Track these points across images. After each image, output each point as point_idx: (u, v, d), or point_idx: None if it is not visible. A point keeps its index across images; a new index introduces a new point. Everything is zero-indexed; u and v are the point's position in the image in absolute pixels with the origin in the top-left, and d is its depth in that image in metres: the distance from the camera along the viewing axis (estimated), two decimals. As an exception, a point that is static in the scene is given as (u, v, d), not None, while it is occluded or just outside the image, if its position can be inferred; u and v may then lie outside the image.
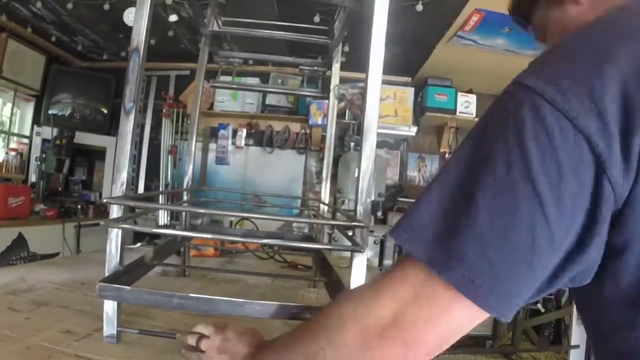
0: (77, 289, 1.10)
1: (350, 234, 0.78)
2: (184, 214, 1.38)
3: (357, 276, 0.73)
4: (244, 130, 3.80)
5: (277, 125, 3.81)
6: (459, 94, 3.62)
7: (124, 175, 0.76)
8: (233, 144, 3.84)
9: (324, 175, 1.57)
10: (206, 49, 1.44)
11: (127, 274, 0.81)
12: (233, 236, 1.46)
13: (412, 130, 3.54)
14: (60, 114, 3.65)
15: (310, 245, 1.27)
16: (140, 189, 3.65)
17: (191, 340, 0.71)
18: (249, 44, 3.43)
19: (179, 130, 3.83)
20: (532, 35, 0.69)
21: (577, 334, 2.62)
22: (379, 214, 3.45)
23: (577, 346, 2.72)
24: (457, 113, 3.58)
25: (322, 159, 3.38)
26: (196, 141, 1.46)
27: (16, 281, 1.09)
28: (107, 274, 0.76)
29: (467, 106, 3.61)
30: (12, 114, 3.41)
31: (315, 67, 1.44)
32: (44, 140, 3.49)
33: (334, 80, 1.45)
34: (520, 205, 0.38)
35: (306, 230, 2.06)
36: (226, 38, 3.31)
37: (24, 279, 1.13)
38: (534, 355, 3.52)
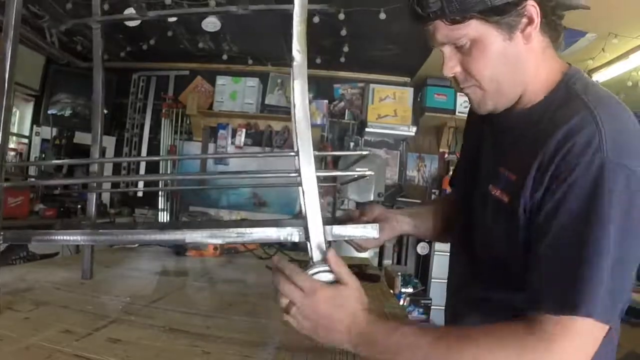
0: (77, 288, 1.09)
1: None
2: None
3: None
4: (243, 130, 3.80)
5: (277, 126, 3.81)
6: (458, 93, 3.62)
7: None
8: (232, 144, 3.83)
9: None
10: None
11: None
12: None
13: (412, 130, 3.54)
14: (59, 114, 3.64)
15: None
16: (140, 185, 3.64)
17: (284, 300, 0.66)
18: (248, 43, 3.43)
19: (178, 130, 3.83)
20: (445, 42, 0.70)
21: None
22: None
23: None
24: (457, 113, 3.58)
25: (321, 159, 3.38)
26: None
27: (16, 281, 1.09)
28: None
29: (467, 106, 3.59)
30: (11, 114, 3.40)
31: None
32: (44, 140, 3.48)
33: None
34: None
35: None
36: (226, 38, 3.31)
37: (23, 278, 1.13)
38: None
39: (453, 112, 3.57)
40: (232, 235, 0.74)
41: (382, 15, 2.53)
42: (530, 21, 0.65)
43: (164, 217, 3.40)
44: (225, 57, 3.55)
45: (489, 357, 0.57)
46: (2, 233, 0.76)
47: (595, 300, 0.55)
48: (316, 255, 0.68)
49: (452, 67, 0.71)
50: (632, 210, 0.57)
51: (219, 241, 0.77)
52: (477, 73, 0.69)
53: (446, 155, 3.77)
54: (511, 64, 0.68)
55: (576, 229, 0.57)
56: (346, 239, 0.76)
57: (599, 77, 3.07)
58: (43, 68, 3.52)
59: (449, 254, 0.95)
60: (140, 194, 3.62)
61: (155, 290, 1.18)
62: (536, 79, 0.70)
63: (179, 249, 1.68)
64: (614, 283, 0.56)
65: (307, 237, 0.68)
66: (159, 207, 3.48)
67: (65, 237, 0.80)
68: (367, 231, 0.71)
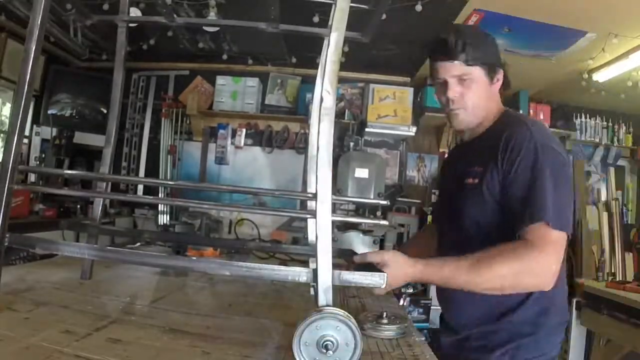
0: (77, 289, 1.09)
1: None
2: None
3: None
4: (244, 130, 3.79)
5: (277, 125, 3.80)
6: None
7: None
8: (232, 144, 3.83)
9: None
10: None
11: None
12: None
13: (412, 130, 3.54)
14: (59, 113, 3.64)
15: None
16: (140, 188, 3.64)
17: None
18: (248, 43, 3.43)
19: (178, 130, 3.83)
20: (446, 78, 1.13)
21: (577, 334, 2.62)
22: (379, 213, 3.44)
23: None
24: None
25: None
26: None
27: (16, 281, 1.09)
28: None
29: (467, 106, 3.61)
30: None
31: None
32: (43, 140, 3.47)
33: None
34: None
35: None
36: (226, 38, 3.30)
37: (23, 278, 1.13)
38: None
39: (453, 112, 3.57)
40: (242, 269, 0.74)
41: (382, 16, 2.52)
42: (499, 78, 1.15)
43: (164, 218, 3.40)
44: (225, 57, 3.55)
45: (506, 266, 0.92)
46: (7, 235, 0.76)
47: (550, 213, 0.94)
48: (322, 299, 0.68)
49: (455, 92, 1.12)
50: (562, 167, 1.01)
51: (226, 272, 0.77)
52: (469, 99, 1.12)
53: (446, 156, 3.76)
54: (486, 98, 1.14)
55: (530, 178, 0.98)
56: (353, 285, 0.76)
57: (599, 77, 3.07)
58: (43, 68, 3.52)
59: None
60: (140, 193, 3.61)
61: (155, 290, 1.18)
62: (491, 109, 1.17)
63: (179, 248, 1.68)
64: (558, 204, 0.96)
65: (315, 280, 0.68)
66: (159, 207, 3.48)
67: (71, 249, 0.79)
68: (375, 280, 0.72)
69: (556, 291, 1.00)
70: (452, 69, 1.09)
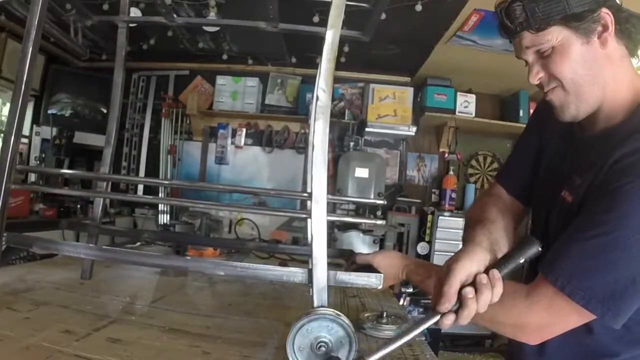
0: (77, 288, 1.10)
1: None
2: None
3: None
4: (244, 130, 3.79)
5: (277, 125, 3.80)
6: (458, 93, 3.62)
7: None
8: (232, 143, 3.83)
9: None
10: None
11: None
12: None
13: (412, 130, 3.54)
14: (59, 113, 3.64)
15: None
16: (140, 188, 3.64)
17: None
18: (248, 43, 3.43)
19: (178, 130, 3.83)
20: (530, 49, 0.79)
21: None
22: (379, 213, 3.45)
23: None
24: (457, 113, 3.58)
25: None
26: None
27: (16, 281, 1.09)
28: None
29: (467, 106, 3.60)
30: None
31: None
32: (44, 140, 3.47)
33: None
34: None
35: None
36: (226, 38, 3.30)
37: (23, 278, 1.13)
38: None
39: (453, 112, 3.57)
40: (237, 269, 0.74)
41: (382, 15, 2.52)
42: (605, 28, 0.73)
43: (164, 218, 3.39)
44: (225, 57, 3.55)
45: (501, 305, 0.70)
46: (5, 235, 0.76)
47: (593, 291, 0.66)
48: (316, 300, 0.68)
49: (537, 73, 0.79)
50: None
51: (221, 272, 0.77)
52: (559, 74, 0.76)
53: (446, 155, 3.76)
54: (589, 67, 0.75)
55: (603, 223, 0.68)
56: (349, 286, 0.76)
57: (599, 77, 3.07)
58: (43, 68, 3.52)
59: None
60: (140, 193, 3.61)
61: (155, 290, 1.18)
62: (615, 88, 0.76)
63: (179, 248, 1.68)
64: (612, 286, 0.66)
65: (310, 281, 0.68)
66: (159, 207, 3.48)
67: (70, 249, 0.79)
68: (371, 281, 0.72)
69: None
70: (523, 42, 0.78)
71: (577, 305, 0.67)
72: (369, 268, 0.92)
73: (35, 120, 3.60)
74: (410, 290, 3.19)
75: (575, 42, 0.74)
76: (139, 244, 1.90)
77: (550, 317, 0.71)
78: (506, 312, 0.73)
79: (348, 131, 3.65)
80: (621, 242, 0.65)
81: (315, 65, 0.71)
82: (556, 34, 0.74)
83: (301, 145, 3.77)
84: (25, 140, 3.55)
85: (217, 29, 2.95)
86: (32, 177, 3.36)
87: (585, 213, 0.72)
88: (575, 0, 0.71)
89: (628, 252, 0.65)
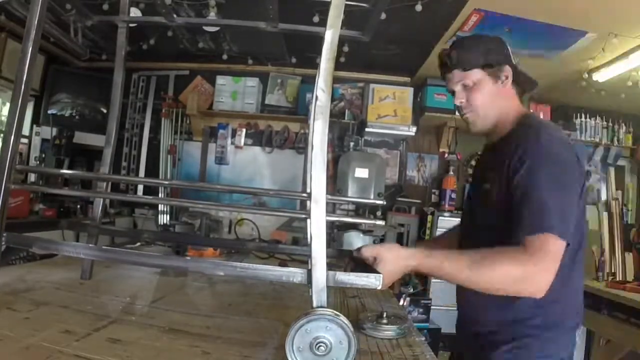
0: (77, 288, 1.09)
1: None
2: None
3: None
4: (244, 130, 3.79)
5: (277, 125, 3.80)
6: (458, 94, 3.62)
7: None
8: (232, 143, 3.83)
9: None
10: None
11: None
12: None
13: (412, 130, 3.53)
14: (59, 113, 3.64)
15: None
16: (140, 188, 3.64)
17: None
18: (248, 43, 3.43)
19: (178, 130, 3.83)
20: (454, 84, 1.19)
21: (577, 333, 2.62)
22: (379, 213, 3.45)
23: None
24: (457, 113, 3.57)
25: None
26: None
27: (16, 281, 1.09)
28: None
29: (467, 107, 3.61)
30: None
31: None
32: (43, 140, 3.47)
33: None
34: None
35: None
36: (225, 38, 3.30)
37: (23, 278, 1.13)
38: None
39: (453, 112, 3.56)
40: (236, 269, 0.74)
41: (382, 15, 2.53)
42: (507, 76, 1.15)
43: (163, 218, 3.39)
44: (225, 57, 3.55)
45: (503, 270, 0.95)
46: (5, 235, 0.75)
47: (549, 224, 0.95)
48: (316, 300, 0.68)
49: (460, 99, 1.18)
50: (562, 173, 1.01)
51: (220, 273, 0.77)
52: (474, 102, 1.16)
53: (446, 155, 3.77)
54: (493, 99, 1.15)
55: (531, 187, 0.99)
56: (348, 286, 0.75)
57: (599, 77, 3.07)
58: (43, 68, 3.52)
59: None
60: (140, 193, 3.61)
61: (155, 290, 1.18)
62: (506, 112, 1.16)
63: (179, 249, 1.68)
64: (559, 214, 0.96)
65: (310, 281, 0.68)
66: (159, 207, 3.48)
67: (69, 249, 0.79)
68: (370, 281, 0.72)
69: (568, 296, 1.06)
70: (454, 78, 1.16)
71: (564, 242, 0.95)
72: (365, 267, 0.92)
73: (35, 120, 3.60)
74: (411, 290, 3.19)
75: (488, 82, 1.14)
76: (138, 244, 1.90)
77: (553, 261, 0.94)
78: (519, 276, 0.95)
79: (348, 131, 3.65)
80: (553, 192, 0.97)
81: (315, 66, 0.71)
82: (476, 75, 1.13)
83: (301, 146, 3.77)
84: (25, 140, 3.55)
85: (217, 29, 2.95)
86: (32, 177, 3.36)
87: (522, 188, 1.00)
88: (491, 56, 1.13)
89: (559, 194, 0.98)
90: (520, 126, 1.11)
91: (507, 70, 1.14)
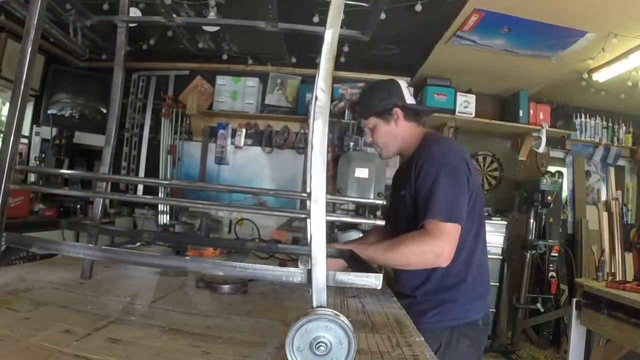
0: (77, 288, 1.09)
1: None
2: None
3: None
4: (243, 130, 3.79)
5: (277, 125, 3.81)
6: (458, 93, 3.62)
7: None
8: (232, 143, 3.83)
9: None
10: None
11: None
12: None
13: (412, 130, 3.53)
14: (59, 113, 3.64)
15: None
16: (140, 188, 3.64)
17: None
18: (248, 43, 3.43)
19: (178, 130, 3.83)
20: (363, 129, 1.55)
21: (577, 334, 2.62)
22: (379, 213, 3.44)
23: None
24: (457, 113, 3.58)
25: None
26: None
27: (15, 281, 1.09)
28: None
29: (467, 106, 3.61)
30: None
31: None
32: (43, 140, 3.48)
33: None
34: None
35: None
36: (225, 38, 3.30)
37: (23, 278, 1.12)
38: (533, 354, 3.52)
39: (453, 112, 3.57)
40: (235, 269, 0.73)
41: (382, 15, 2.53)
42: (397, 116, 1.45)
43: (163, 218, 3.39)
44: (225, 57, 3.55)
45: (407, 248, 1.29)
46: (4, 235, 0.75)
47: (440, 211, 1.26)
48: (316, 300, 0.68)
49: (369, 137, 1.53)
50: (449, 174, 1.30)
51: (220, 273, 0.77)
52: (376, 140, 1.51)
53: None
54: (390, 136, 1.48)
55: (429, 188, 1.30)
56: (348, 286, 0.76)
57: (599, 77, 3.07)
58: (43, 68, 3.52)
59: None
60: (140, 193, 3.61)
61: (155, 290, 1.18)
62: (407, 140, 1.48)
63: (179, 248, 1.68)
64: (448, 203, 1.27)
65: (310, 281, 0.68)
66: (159, 207, 3.48)
67: (69, 249, 0.79)
68: (370, 281, 0.72)
69: (467, 271, 1.36)
70: (361, 124, 1.54)
71: (453, 223, 1.26)
72: (365, 267, 0.92)
73: (35, 120, 3.60)
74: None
75: (382, 124, 1.46)
76: (138, 244, 1.90)
77: (450, 240, 1.26)
78: (420, 250, 1.27)
79: (348, 131, 3.65)
80: (442, 188, 1.27)
81: (315, 65, 0.71)
82: (373, 120, 1.47)
83: (301, 146, 3.77)
84: (25, 141, 3.55)
85: (217, 29, 2.95)
86: (32, 177, 3.36)
87: (421, 189, 1.32)
88: (382, 103, 1.44)
89: (447, 189, 1.28)
90: (421, 145, 1.44)
91: (397, 112, 1.44)
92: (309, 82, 3.78)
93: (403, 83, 1.48)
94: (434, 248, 1.25)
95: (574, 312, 2.58)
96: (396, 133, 1.46)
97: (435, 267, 1.30)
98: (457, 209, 1.27)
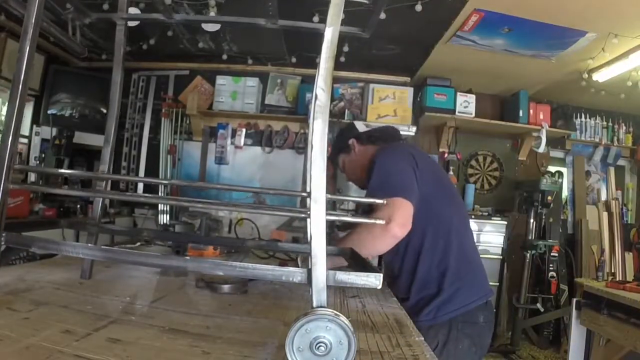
0: (77, 288, 1.09)
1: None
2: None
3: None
4: (243, 130, 3.79)
5: (277, 125, 3.81)
6: (458, 93, 3.62)
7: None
8: (232, 143, 3.83)
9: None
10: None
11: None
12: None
13: (412, 130, 3.54)
14: (59, 113, 3.64)
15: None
16: (140, 188, 3.64)
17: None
18: (248, 43, 3.43)
19: (178, 130, 3.83)
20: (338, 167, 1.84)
21: (577, 334, 2.62)
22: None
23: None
24: (457, 113, 3.58)
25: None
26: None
27: (15, 281, 1.09)
28: None
29: (467, 106, 3.61)
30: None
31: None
32: (43, 140, 3.48)
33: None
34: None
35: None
36: (226, 38, 3.30)
37: (23, 278, 1.12)
38: (533, 354, 3.52)
39: (453, 112, 3.57)
40: (235, 269, 0.73)
41: (382, 15, 2.53)
42: (354, 147, 1.71)
43: (163, 218, 3.39)
44: (225, 57, 3.55)
45: (359, 234, 1.45)
46: (3, 235, 0.75)
47: (377, 192, 1.40)
48: (316, 300, 0.68)
49: (346, 177, 1.82)
50: (383, 167, 1.49)
51: (220, 273, 0.77)
52: (349, 176, 1.79)
53: (446, 155, 3.77)
54: (356, 164, 1.70)
55: (372, 185, 1.46)
56: (348, 285, 0.76)
57: (599, 77, 3.07)
58: (43, 68, 3.52)
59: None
60: (140, 193, 3.61)
61: (155, 290, 1.18)
62: (368, 159, 1.59)
63: (179, 248, 1.68)
64: (383, 185, 1.43)
65: (310, 281, 0.68)
66: (159, 207, 3.48)
67: (68, 249, 0.79)
68: (370, 280, 0.72)
69: (449, 256, 1.43)
70: (339, 168, 1.82)
71: (396, 198, 1.35)
72: (365, 267, 0.92)
73: (35, 120, 3.60)
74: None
75: (347, 158, 1.74)
76: (138, 243, 1.90)
77: (392, 207, 1.35)
78: (367, 229, 1.41)
79: (348, 131, 3.64)
80: (378, 174, 1.47)
81: (315, 65, 0.71)
82: (341, 158, 1.76)
83: (301, 146, 3.77)
84: (25, 140, 3.55)
85: (217, 28, 2.95)
86: (32, 177, 3.36)
87: (370, 184, 1.48)
88: (342, 142, 1.75)
89: (383, 176, 1.45)
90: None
91: (353, 142, 1.71)
92: (309, 82, 3.78)
93: (358, 123, 1.82)
94: (377, 219, 1.26)
95: (574, 312, 2.59)
96: (358, 159, 1.69)
97: (398, 238, 1.36)
98: (391, 186, 1.40)
